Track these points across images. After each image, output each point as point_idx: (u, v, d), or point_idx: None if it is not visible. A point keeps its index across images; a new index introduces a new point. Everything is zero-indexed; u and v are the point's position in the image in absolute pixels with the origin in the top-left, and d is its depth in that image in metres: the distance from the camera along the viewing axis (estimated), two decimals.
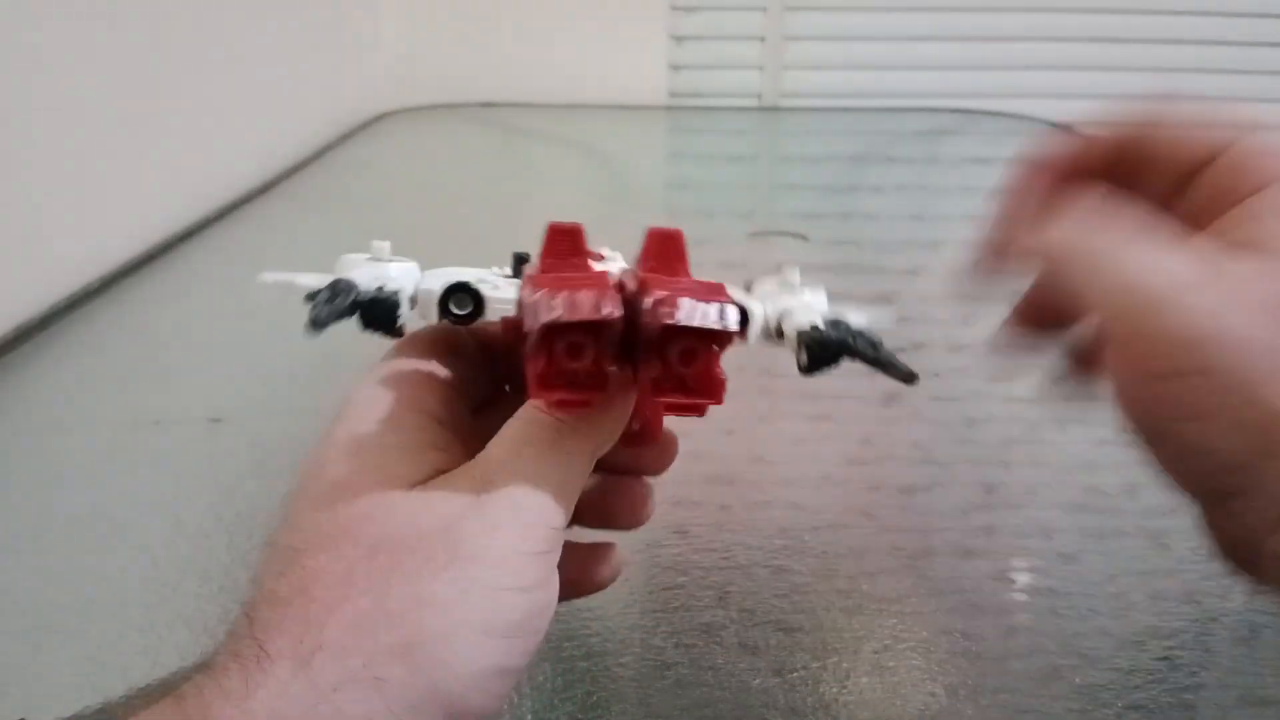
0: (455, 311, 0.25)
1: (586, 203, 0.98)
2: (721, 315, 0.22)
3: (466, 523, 0.22)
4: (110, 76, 0.76)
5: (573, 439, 0.24)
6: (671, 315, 0.21)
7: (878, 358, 0.24)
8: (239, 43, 0.98)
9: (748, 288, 0.28)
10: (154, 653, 0.34)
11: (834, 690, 0.34)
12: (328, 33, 1.25)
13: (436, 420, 0.25)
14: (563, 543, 0.24)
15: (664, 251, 0.25)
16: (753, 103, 1.53)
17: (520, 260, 0.28)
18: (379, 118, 1.33)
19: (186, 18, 0.87)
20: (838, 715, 0.33)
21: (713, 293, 0.22)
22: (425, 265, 0.28)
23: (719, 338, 0.22)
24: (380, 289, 0.25)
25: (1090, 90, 1.53)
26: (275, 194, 0.99)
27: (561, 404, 0.23)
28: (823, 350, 0.24)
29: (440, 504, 0.23)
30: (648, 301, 0.22)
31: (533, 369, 0.22)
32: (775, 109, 1.52)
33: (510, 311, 0.25)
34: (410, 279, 0.26)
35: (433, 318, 0.26)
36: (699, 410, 0.23)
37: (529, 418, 0.25)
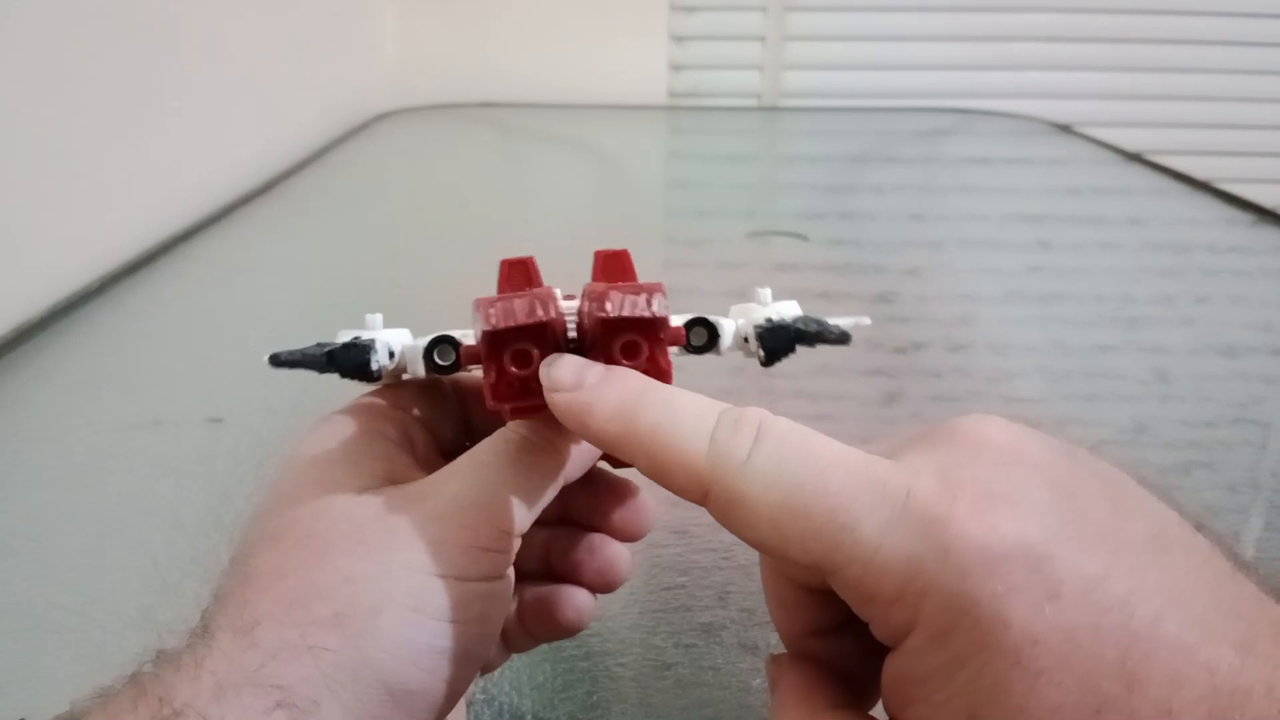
0: (439, 362, 0.26)
1: (586, 203, 0.98)
2: (649, 303, 0.23)
3: (402, 514, 0.23)
4: (110, 76, 0.76)
5: (531, 454, 0.25)
6: (602, 309, 0.22)
7: (820, 332, 0.26)
8: (239, 43, 0.99)
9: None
10: (154, 653, 0.34)
11: None
12: (327, 33, 1.25)
13: (395, 445, 0.26)
14: (515, 548, 0.25)
15: (611, 270, 0.25)
16: (753, 103, 1.54)
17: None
18: (379, 118, 1.33)
19: (187, 17, 0.87)
20: None
21: (648, 289, 0.23)
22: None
23: (654, 325, 0.23)
24: (356, 338, 0.26)
25: (1090, 90, 1.53)
26: (275, 194, 0.99)
27: (515, 412, 0.24)
28: (773, 338, 0.26)
29: (379, 499, 0.24)
30: (584, 304, 0.23)
31: (485, 381, 0.24)
32: (775, 109, 1.52)
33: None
34: (397, 337, 0.27)
35: (419, 370, 0.27)
36: None
37: (491, 437, 0.26)
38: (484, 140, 1.32)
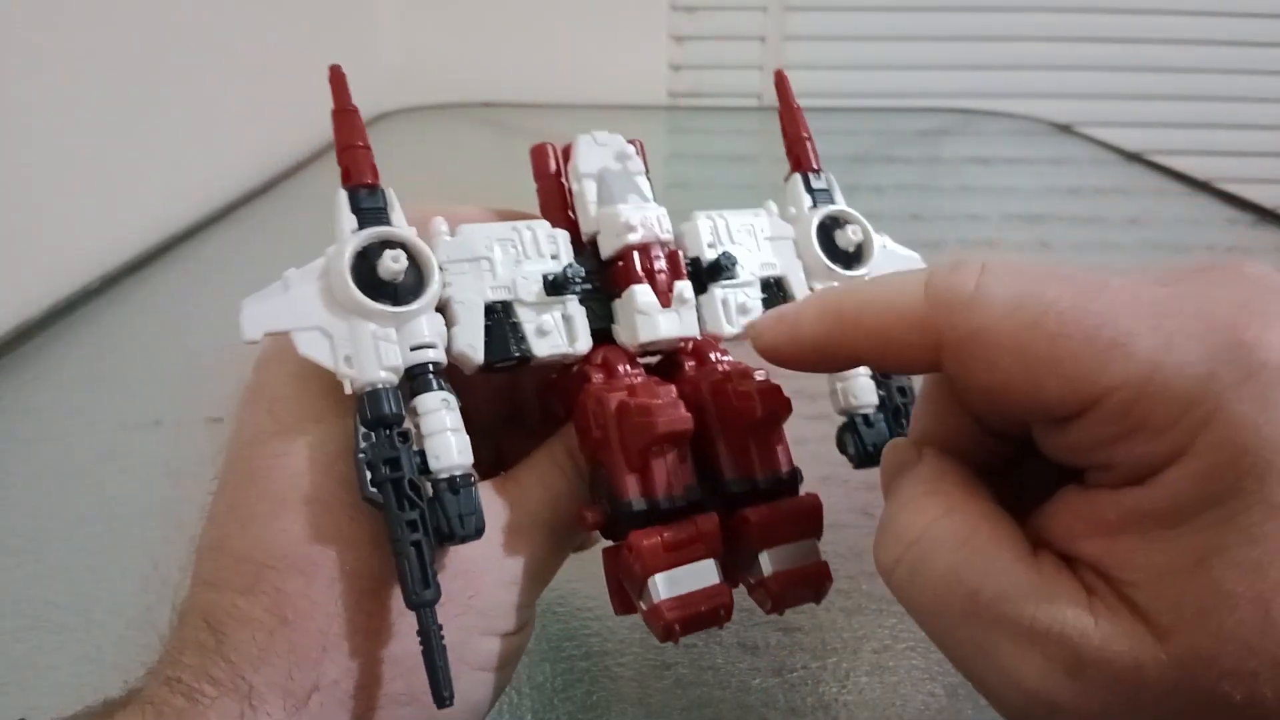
0: (500, 367, 0.25)
1: None
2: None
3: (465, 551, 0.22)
4: (110, 76, 0.76)
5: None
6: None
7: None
8: (239, 43, 0.98)
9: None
10: (154, 652, 0.33)
11: (834, 690, 0.34)
12: (327, 33, 1.25)
13: None
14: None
15: None
16: (753, 103, 1.53)
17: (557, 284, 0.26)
18: (379, 118, 1.33)
19: (186, 18, 0.87)
20: (837, 715, 0.33)
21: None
22: None
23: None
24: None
25: (1090, 90, 1.53)
26: (275, 194, 0.99)
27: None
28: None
29: None
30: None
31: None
32: (775, 109, 1.51)
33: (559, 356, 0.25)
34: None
35: (478, 360, 0.24)
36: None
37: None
38: (484, 140, 1.32)
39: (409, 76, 1.43)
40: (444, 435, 0.21)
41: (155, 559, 0.42)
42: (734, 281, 0.28)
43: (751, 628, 0.37)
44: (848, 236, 0.30)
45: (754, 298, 0.28)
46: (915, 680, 0.35)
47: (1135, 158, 1.20)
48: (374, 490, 0.20)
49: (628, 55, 1.50)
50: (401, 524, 0.20)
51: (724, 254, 0.28)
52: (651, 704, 0.33)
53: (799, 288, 0.30)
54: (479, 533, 0.21)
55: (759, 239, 0.30)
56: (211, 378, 0.60)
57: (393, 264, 0.22)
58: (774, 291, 0.29)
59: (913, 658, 0.36)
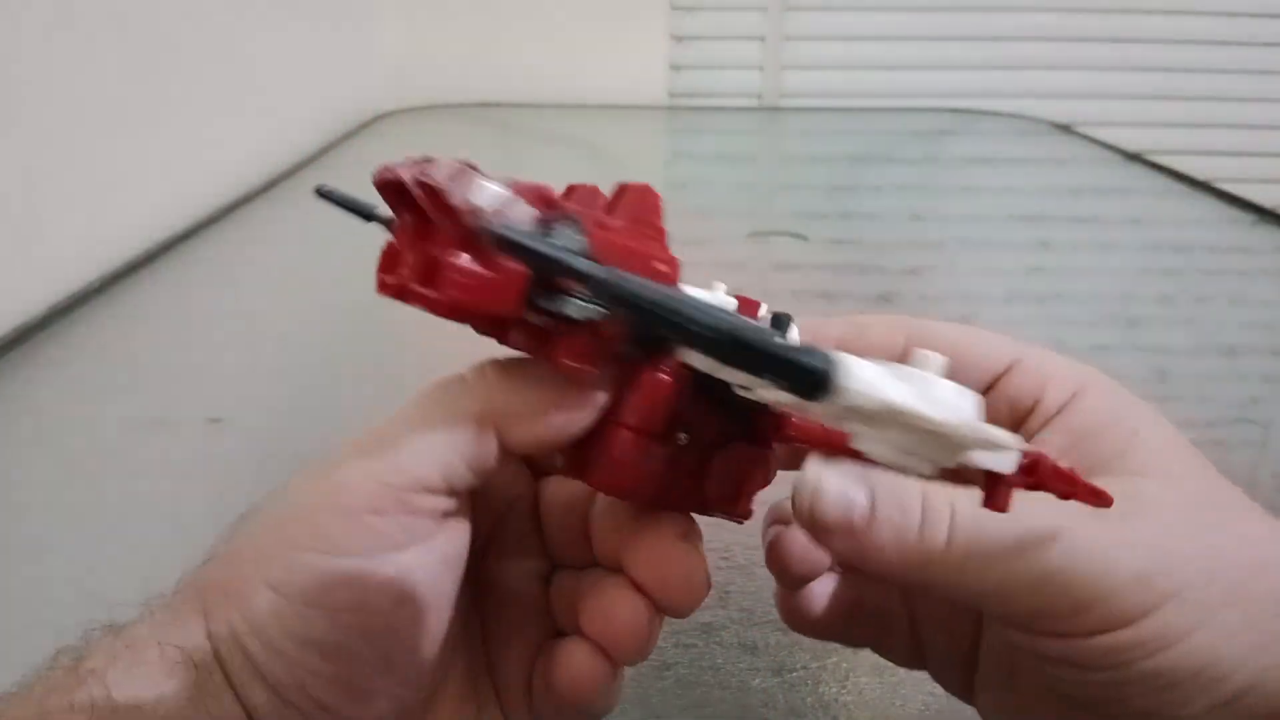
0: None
1: None
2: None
3: (294, 480, 0.21)
4: (110, 76, 0.76)
5: (465, 398, 0.21)
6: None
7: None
8: (239, 43, 0.99)
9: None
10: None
11: (834, 690, 0.34)
12: (327, 33, 1.25)
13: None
14: (421, 512, 0.20)
15: (634, 207, 0.22)
16: (753, 103, 1.53)
17: (779, 322, 0.23)
18: (379, 118, 1.33)
19: (187, 18, 0.87)
20: (837, 715, 0.33)
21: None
22: None
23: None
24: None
25: (1090, 90, 1.53)
26: (275, 194, 0.99)
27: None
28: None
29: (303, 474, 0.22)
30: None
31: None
32: (775, 109, 1.52)
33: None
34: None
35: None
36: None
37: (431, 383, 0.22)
38: (484, 140, 1.32)
39: (409, 76, 1.43)
40: None
41: (155, 559, 0.42)
42: None
43: (751, 628, 0.37)
44: None
45: None
46: (915, 680, 0.35)
47: (1135, 158, 1.20)
48: None
49: (628, 55, 1.50)
50: None
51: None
52: (651, 704, 0.33)
53: None
54: None
55: None
56: (211, 378, 0.60)
57: None
58: None
59: None
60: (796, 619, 0.28)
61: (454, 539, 0.22)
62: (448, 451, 0.20)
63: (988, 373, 0.24)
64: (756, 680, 0.34)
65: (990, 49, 1.53)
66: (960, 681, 0.27)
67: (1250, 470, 0.51)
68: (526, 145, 1.30)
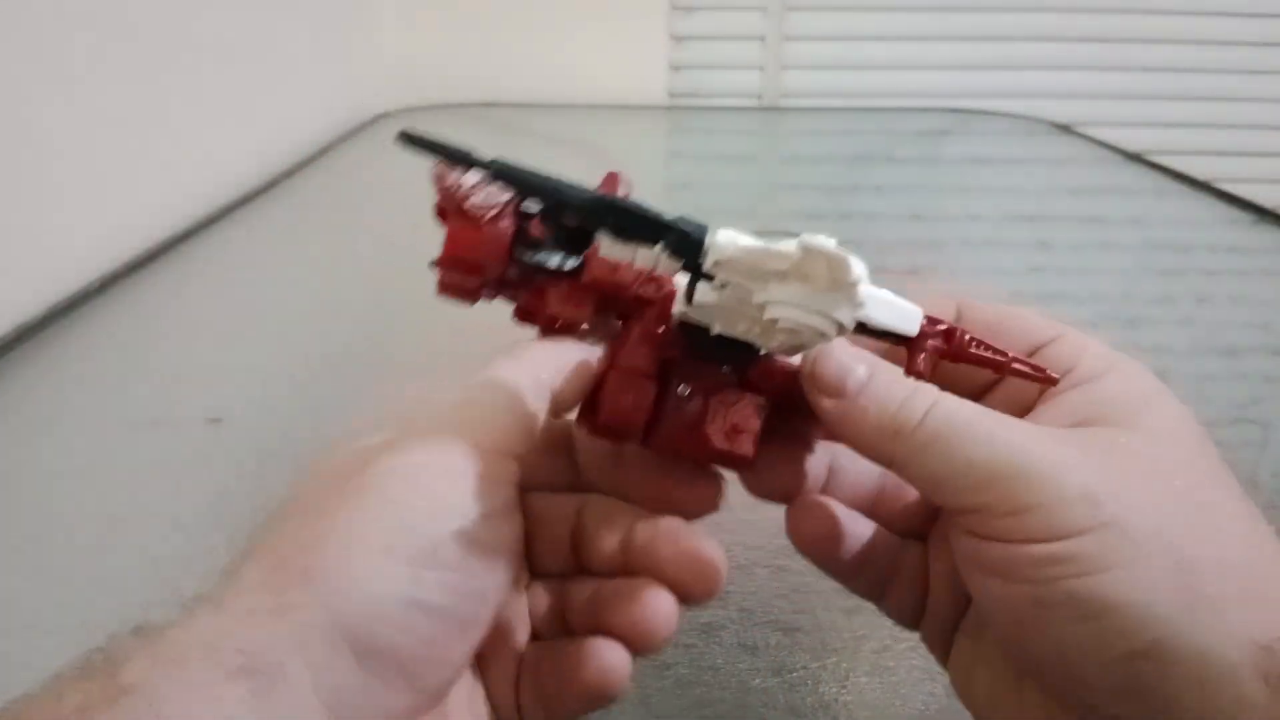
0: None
1: None
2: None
3: (381, 452, 0.22)
4: (110, 77, 0.76)
5: (525, 398, 0.24)
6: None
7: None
8: (239, 43, 0.99)
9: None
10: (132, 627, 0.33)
11: (834, 690, 0.34)
12: (327, 33, 1.25)
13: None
14: (512, 477, 0.23)
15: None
16: (753, 103, 1.53)
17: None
18: (379, 118, 1.33)
19: (187, 18, 0.87)
20: (837, 715, 0.33)
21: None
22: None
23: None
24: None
25: (1090, 90, 1.53)
26: (275, 194, 0.99)
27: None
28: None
29: (367, 446, 0.23)
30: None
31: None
32: (775, 109, 1.52)
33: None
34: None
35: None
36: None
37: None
38: (484, 140, 1.31)
39: (409, 76, 1.43)
40: None
41: (155, 559, 0.42)
42: None
43: (751, 628, 0.37)
44: None
45: None
46: (915, 680, 0.35)
47: (1135, 158, 1.20)
48: None
49: (627, 55, 1.50)
50: None
51: None
52: (651, 704, 0.33)
53: None
54: None
55: None
56: (211, 378, 0.60)
57: None
58: None
59: (913, 658, 0.36)
60: (803, 535, 0.28)
61: (518, 505, 0.24)
62: (517, 436, 0.24)
63: (1031, 342, 0.25)
64: (756, 680, 0.34)
65: (990, 49, 1.53)
66: (946, 645, 0.27)
67: (1250, 470, 0.51)
68: (527, 145, 1.30)
